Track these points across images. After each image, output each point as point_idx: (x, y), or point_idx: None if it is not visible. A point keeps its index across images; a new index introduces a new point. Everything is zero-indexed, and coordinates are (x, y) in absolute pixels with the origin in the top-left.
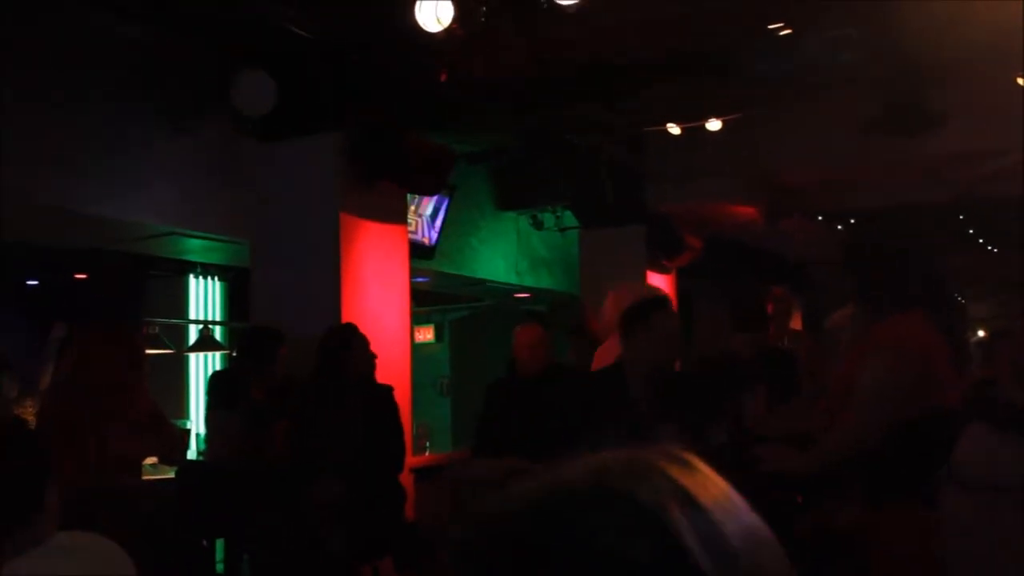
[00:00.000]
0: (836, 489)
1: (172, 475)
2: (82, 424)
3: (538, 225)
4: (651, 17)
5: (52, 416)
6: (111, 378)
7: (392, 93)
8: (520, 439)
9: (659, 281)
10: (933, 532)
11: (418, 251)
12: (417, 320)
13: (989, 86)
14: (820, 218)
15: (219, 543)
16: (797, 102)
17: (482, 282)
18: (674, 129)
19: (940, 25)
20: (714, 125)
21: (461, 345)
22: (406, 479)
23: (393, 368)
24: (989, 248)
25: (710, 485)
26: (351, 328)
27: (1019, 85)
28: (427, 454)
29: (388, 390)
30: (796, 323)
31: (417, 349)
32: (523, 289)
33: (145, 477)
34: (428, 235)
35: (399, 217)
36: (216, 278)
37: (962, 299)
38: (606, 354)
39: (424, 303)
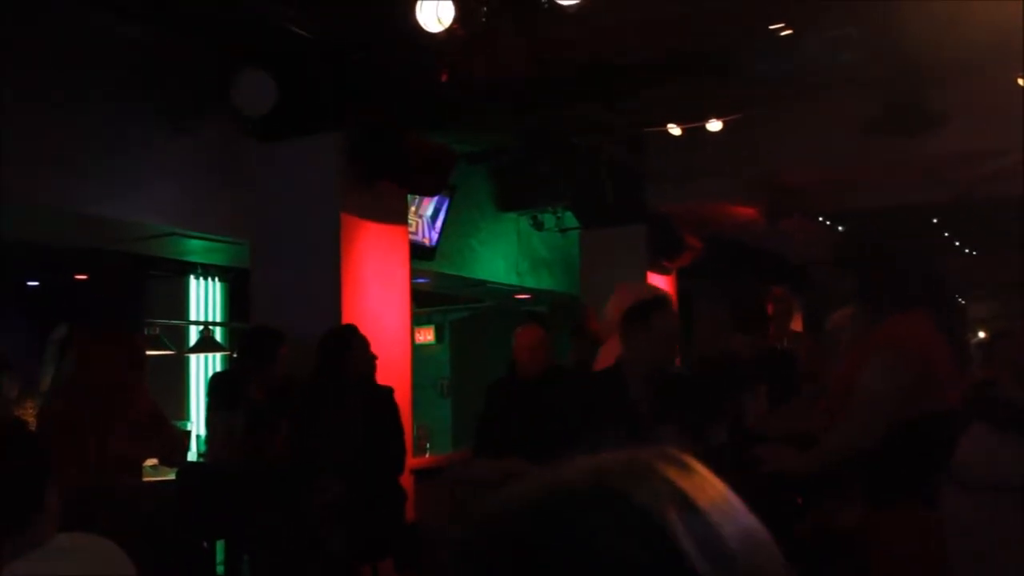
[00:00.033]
0: (836, 489)
1: (172, 476)
2: (82, 425)
3: (538, 226)
4: (651, 17)
5: (52, 417)
6: (111, 379)
7: (392, 93)
8: (520, 440)
9: (659, 281)
10: (933, 532)
11: (418, 252)
12: (417, 321)
13: (989, 86)
14: (820, 218)
15: (219, 544)
16: (797, 102)
17: (482, 283)
18: (674, 129)
19: (940, 25)
20: (714, 125)
21: (461, 346)
22: (406, 480)
23: (393, 369)
24: (983, 251)
25: (707, 487)
26: (351, 329)
27: (1019, 85)
28: (427, 455)
29: (388, 391)
30: (796, 323)
31: (417, 350)
32: (523, 290)
33: (145, 478)
34: (428, 236)
35: (399, 218)
36: (216, 279)
37: (962, 300)
38: (609, 354)
39: (424, 304)
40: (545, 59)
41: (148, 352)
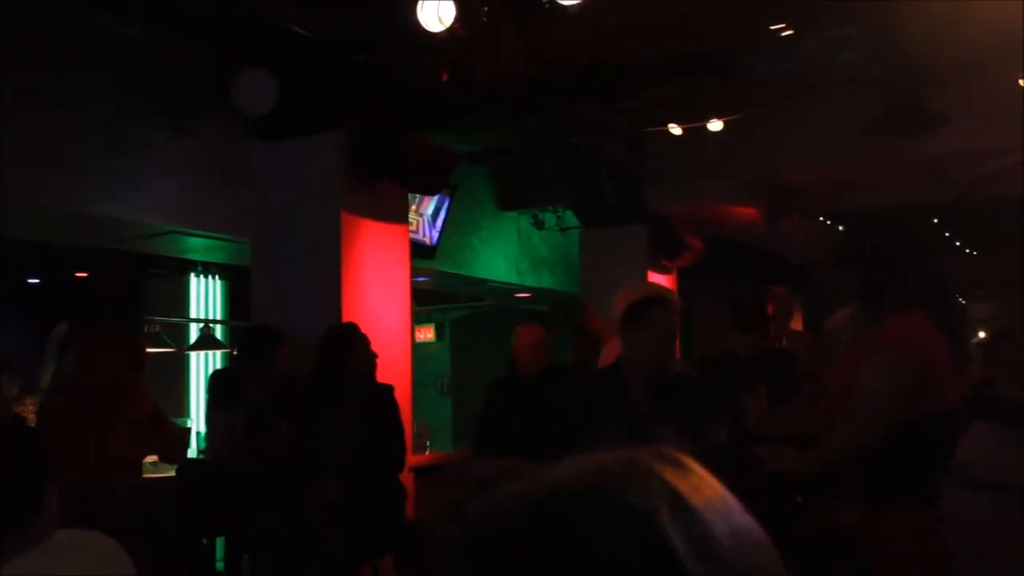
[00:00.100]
0: (836, 489)
1: (172, 474)
2: (82, 423)
3: (539, 225)
4: (651, 17)
5: (52, 415)
6: (112, 377)
7: (393, 93)
8: (520, 439)
9: (660, 281)
10: (933, 532)
11: (419, 250)
12: (418, 319)
13: (989, 86)
14: (820, 218)
15: (219, 542)
16: (797, 102)
17: (483, 282)
18: (675, 129)
19: (940, 25)
20: (715, 125)
21: (462, 345)
22: (406, 478)
23: (393, 367)
24: (983, 251)
25: (703, 487)
26: (352, 327)
27: (1019, 85)
28: (427, 453)
29: (388, 389)
30: (796, 323)
31: (418, 348)
32: (524, 289)
33: (145, 476)
34: (429, 234)
35: (400, 216)
36: (217, 277)
37: (962, 300)
38: (612, 354)
39: (425, 302)
40: (545, 59)
41: (148, 349)
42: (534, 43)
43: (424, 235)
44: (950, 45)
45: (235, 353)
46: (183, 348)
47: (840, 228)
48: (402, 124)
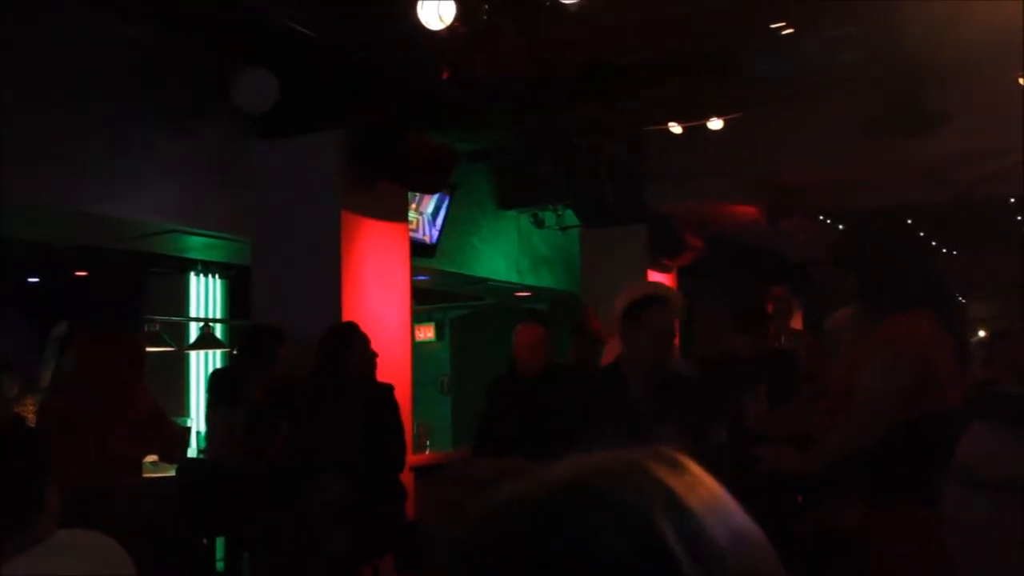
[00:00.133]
0: (836, 489)
1: (172, 473)
2: (82, 423)
3: (539, 224)
4: (651, 17)
5: (52, 415)
6: (111, 377)
7: (393, 92)
8: (520, 438)
9: (660, 280)
10: (933, 532)
11: (419, 249)
12: (418, 318)
13: (989, 86)
14: (820, 218)
15: (219, 541)
16: (797, 102)
17: (483, 281)
18: (675, 129)
19: (940, 25)
20: (715, 125)
21: (462, 344)
22: (406, 478)
23: (394, 367)
24: (983, 251)
25: (699, 487)
26: (352, 327)
27: (1019, 85)
28: (427, 453)
29: (388, 389)
30: (796, 323)
31: (418, 348)
32: (524, 288)
33: (145, 475)
34: (429, 233)
35: (400, 215)
36: (217, 276)
37: (962, 299)
38: (613, 353)
39: (425, 301)
40: (546, 58)
41: (148, 349)
42: (534, 42)
43: (424, 234)
44: (950, 45)
45: (235, 352)
46: (183, 347)
47: (840, 228)
48: (402, 123)
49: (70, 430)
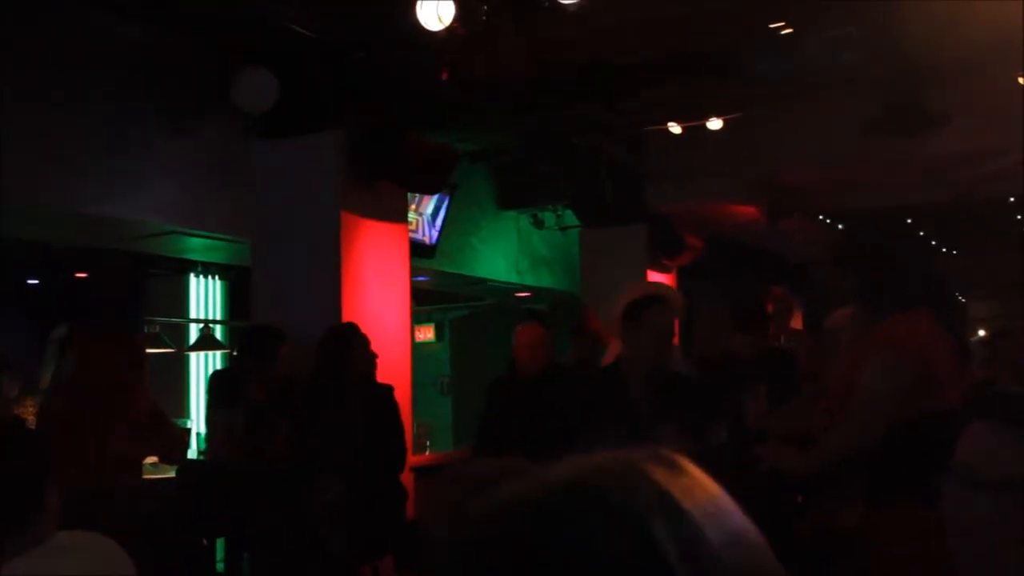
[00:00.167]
0: (836, 489)
1: (172, 474)
2: (82, 424)
3: (539, 224)
4: (651, 17)
5: (52, 416)
6: (111, 378)
7: (393, 92)
8: (520, 438)
9: (660, 281)
10: (933, 532)
11: (419, 250)
12: (417, 319)
13: (989, 86)
14: (820, 218)
15: (219, 542)
16: (797, 102)
17: (483, 281)
18: (674, 128)
19: (940, 25)
20: (715, 124)
21: (461, 344)
22: (406, 478)
23: (393, 367)
24: (983, 251)
25: (696, 488)
26: (352, 327)
27: (1019, 85)
28: (427, 453)
29: (388, 389)
30: (796, 323)
31: (417, 348)
32: (524, 288)
33: (145, 476)
34: (429, 234)
35: (400, 216)
36: (217, 277)
37: (962, 299)
38: (615, 354)
39: (425, 302)
40: (545, 58)
41: (148, 350)
42: (534, 42)
43: (424, 234)
44: (950, 45)
45: (235, 353)
46: (183, 348)
47: (840, 228)
48: (402, 123)
49: (70, 431)
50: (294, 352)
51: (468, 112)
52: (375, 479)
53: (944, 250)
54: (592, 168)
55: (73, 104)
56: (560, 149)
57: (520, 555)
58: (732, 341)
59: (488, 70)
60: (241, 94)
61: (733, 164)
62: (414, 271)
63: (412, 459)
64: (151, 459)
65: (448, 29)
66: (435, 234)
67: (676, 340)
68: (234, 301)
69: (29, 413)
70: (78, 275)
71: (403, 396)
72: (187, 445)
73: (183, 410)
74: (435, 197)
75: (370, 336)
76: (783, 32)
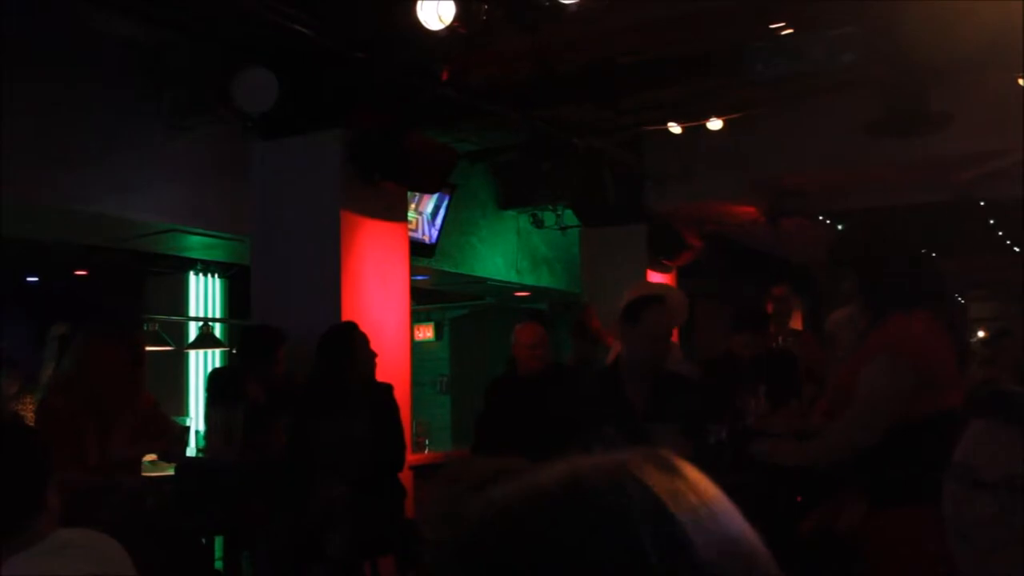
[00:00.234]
0: (836, 489)
1: (171, 472)
2: (82, 422)
3: (538, 223)
4: (652, 17)
5: (52, 414)
6: (111, 376)
7: (393, 92)
8: (519, 438)
9: (660, 281)
10: (933, 532)
11: (418, 249)
12: (417, 318)
13: (989, 86)
14: (820, 218)
15: (218, 540)
16: (797, 102)
17: (482, 280)
18: (675, 128)
19: (940, 25)
20: (715, 125)
21: (461, 343)
22: (406, 478)
23: (393, 366)
24: (983, 251)
25: (689, 493)
26: (351, 327)
27: (1019, 85)
28: (426, 452)
29: (388, 388)
30: (796, 323)
31: (417, 347)
32: (523, 287)
33: (144, 474)
34: (428, 233)
35: (400, 215)
36: (216, 275)
37: (962, 299)
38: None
39: (424, 301)
40: (546, 58)
41: (148, 348)
42: (534, 42)
43: (423, 234)
44: (950, 45)
45: (234, 352)
46: (182, 346)
47: (840, 228)
48: (402, 123)
49: (69, 429)
50: (294, 351)
51: (468, 112)
52: (375, 478)
53: (943, 250)
54: (592, 168)
55: (73, 103)
56: (560, 149)
57: (514, 555)
58: (732, 341)
59: (489, 70)
60: (241, 94)
61: (733, 164)
62: (414, 270)
63: (411, 458)
64: (150, 457)
65: (448, 29)
66: (435, 233)
67: (676, 340)
68: (233, 299)
69: (28, 410)
70: (78, 273)
71: (402, 395)
72: (186, 443)
73: (182, 408)
74: (435, 196)
75: (369, 335)
76: (783, 32)
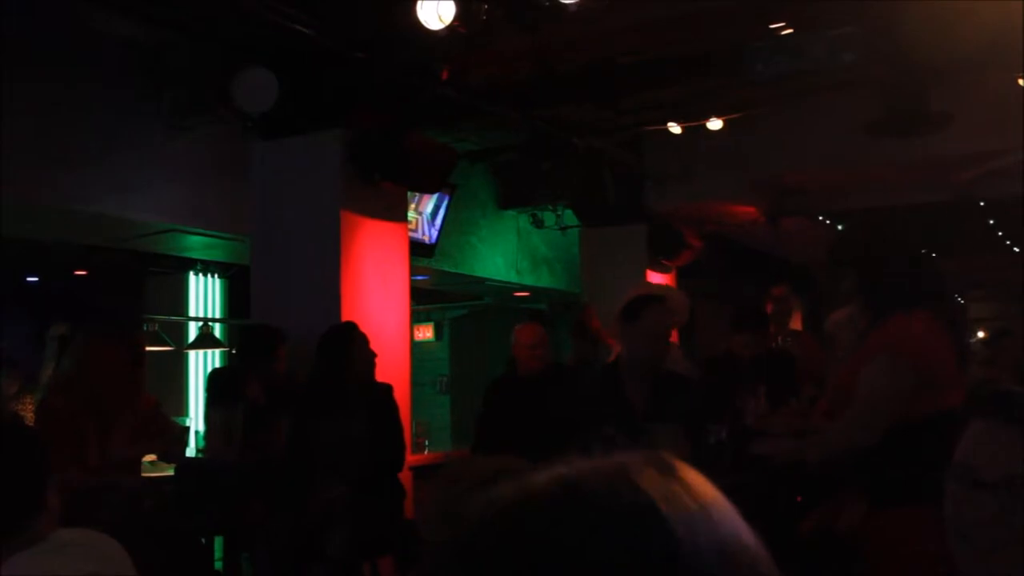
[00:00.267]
0: (836, 489)
1: (171, 472)
2: (81, 422)
3: (538, 223)
4: (652, 17)
5: (51, 414)
6: (111, 375)
7: (393, 91)
8: (519, 438)
9: (659, 281)
10: (933, 532)
11: (418, 249)
12: (417, 318)
13: (989, 86)
14: (820, 218)
15: (218, 540)
16: (797, 102)
17: (482, 280)
18: (675, 128)
19: (940, 25)
20: (715, 124)
21: (461, 343)
22: (405, 478)
23: (393, 366)
24: (983, 251)
25: (685, 495)
26: (351, 327)
27: (1019, 85)
28: (426, 452)
29: (388, 389)
30: (796, 323)
31: (417, 347)
32: (523, 288)
33: (144, 474)
34: (428, 233)
35: (399, 215)
36: (216, 275)
37: (962, 299)
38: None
39: (424, 301)
40: (546, 58)
41: (148, 348)
42: (534, 42)
43: (423, 234)
44: (950, 45)
45: (234, 352)
46: (182, 346)
47: (840, 228)
48: (402, 123)
49: (69, 429)
50: (294, 351)
51: (468, 112)
52: (375, 479)
53: (943, 250)
54: (592, 168)
55: (73, 103)
56: (560, 149)
57: (513, 556)
58: (732, 341)
59: (489, 70)
60: (241, 94)
61: (733, 164)
62: (414, 270)
63: (410, 458)
64: (150, 457)
65: (448, 28)
66: (435, 233)
67: (676, 340)
68: (233, 299)
69: (28, 410)
70: (78, 273)
71: (402, 395)
72: (186, 443)
73: (182, 408)
74: (435, 196)
75: (369, 335)
76: (783, 32)
